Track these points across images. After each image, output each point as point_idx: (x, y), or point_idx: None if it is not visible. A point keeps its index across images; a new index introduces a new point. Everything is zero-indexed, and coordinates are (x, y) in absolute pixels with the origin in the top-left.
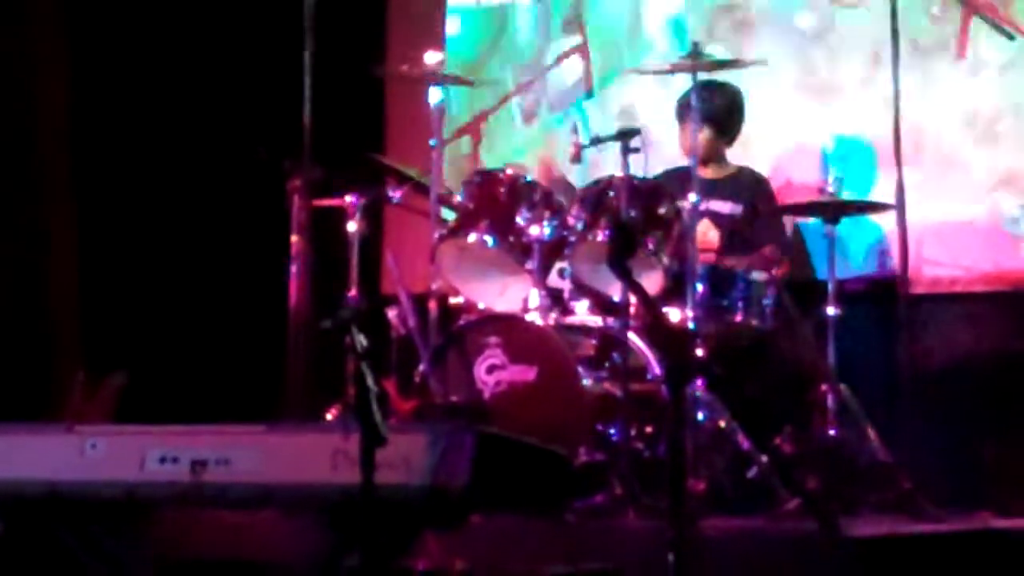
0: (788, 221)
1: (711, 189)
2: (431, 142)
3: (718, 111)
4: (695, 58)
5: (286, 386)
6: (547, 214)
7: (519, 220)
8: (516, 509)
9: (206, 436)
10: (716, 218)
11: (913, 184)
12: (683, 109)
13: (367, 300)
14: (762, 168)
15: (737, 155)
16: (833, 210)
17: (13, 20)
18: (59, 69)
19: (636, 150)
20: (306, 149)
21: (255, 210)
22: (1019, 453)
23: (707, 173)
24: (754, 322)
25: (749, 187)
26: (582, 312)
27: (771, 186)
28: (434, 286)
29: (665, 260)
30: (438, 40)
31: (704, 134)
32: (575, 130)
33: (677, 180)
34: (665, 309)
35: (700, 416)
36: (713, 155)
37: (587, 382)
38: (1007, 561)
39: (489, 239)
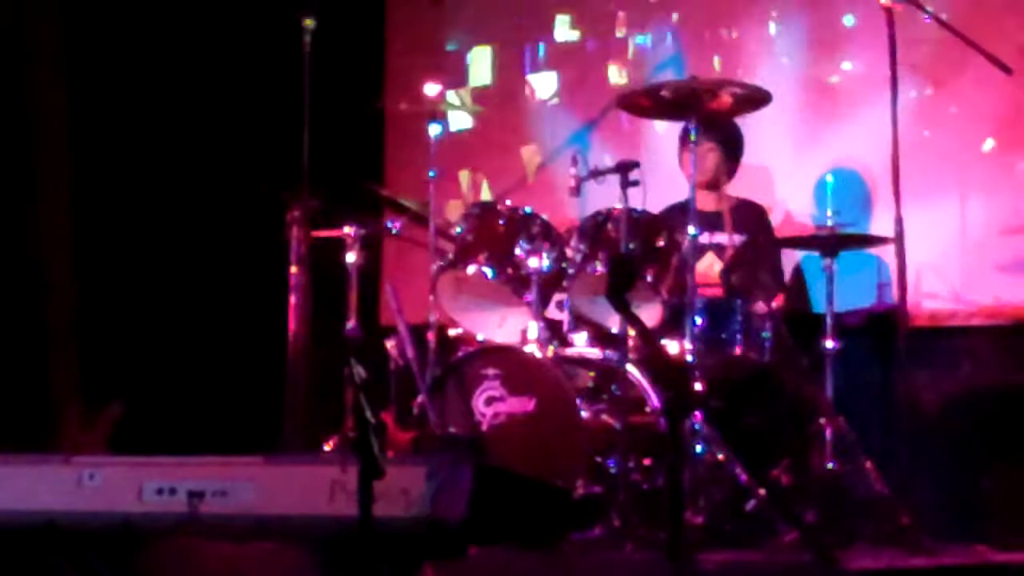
0: (791, 255)
1: (714, 222)
2: (430, 173)
3: (726, 134)
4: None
5: (284, 417)
6: (546, 246)
7: (518, 252)
8: (514, 542)
9: (203, 467)
10: (719, 251)
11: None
12: (687, 133)
13: (365, 331)
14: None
15: (736, 189)
16: (832, 243)
17: (11, 52)
18: (58, 100)
19: (635, 183)
20: (305, 180)
21: (254, 241)
22: (1017, 487)
23: (709, 206)
24: (752, 355)
25: (751, 219)
26: (581, 344)
27: (770, 219)
28: (433, 317)
29: (664, 293)
30: (439, 69)
31: (712, 158)
32: (574, 162)
33: (681, 214)
34: (664, 342)
35: (698, 448)
36: (718, 181)
37: (585, 414)
38: None
39: (488, 271)
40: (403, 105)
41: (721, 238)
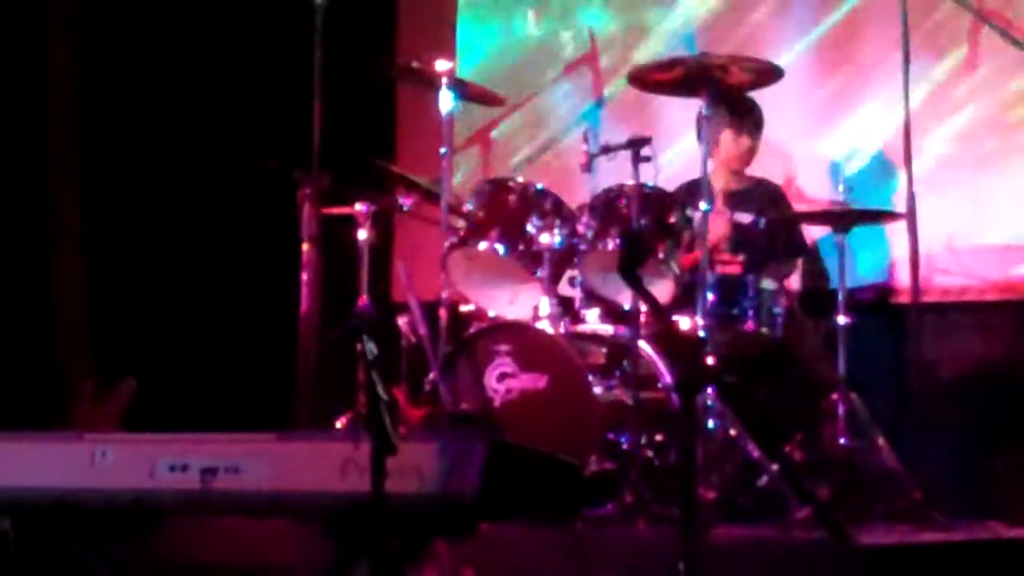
0: (810, 233)
1: (733, 200)
2: (441, 150)
3: (746, 114)
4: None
5: (296, 394)
6: (557, 222)
7: (529, 228)
8: (526, 518)
9: (216, 444)
10: (738, 229)
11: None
12: (739, 114)
13: (377, 308)
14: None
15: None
16: (844, 219)
17: (23, 33)
18: (69, 78)
19: (647, 159)
20: (316, 157)
21: (265, 218)
22: None
23: (730, 184)
24: (764, 330)
25: (769, 198)
26: (592, 320)
27: (787, 197)
28: (444, 294)
29: (675, 268)
30: (449, 48)
31: (746, 142)
32: (586, 139)
33: (693, 191)
34: (676, 317)
35: (710, 424)
36: (749, 162)
37: (597, 390)
38: (1017, 571)
39: (499, 247)
40: (415, 64)
41: (742, 216)
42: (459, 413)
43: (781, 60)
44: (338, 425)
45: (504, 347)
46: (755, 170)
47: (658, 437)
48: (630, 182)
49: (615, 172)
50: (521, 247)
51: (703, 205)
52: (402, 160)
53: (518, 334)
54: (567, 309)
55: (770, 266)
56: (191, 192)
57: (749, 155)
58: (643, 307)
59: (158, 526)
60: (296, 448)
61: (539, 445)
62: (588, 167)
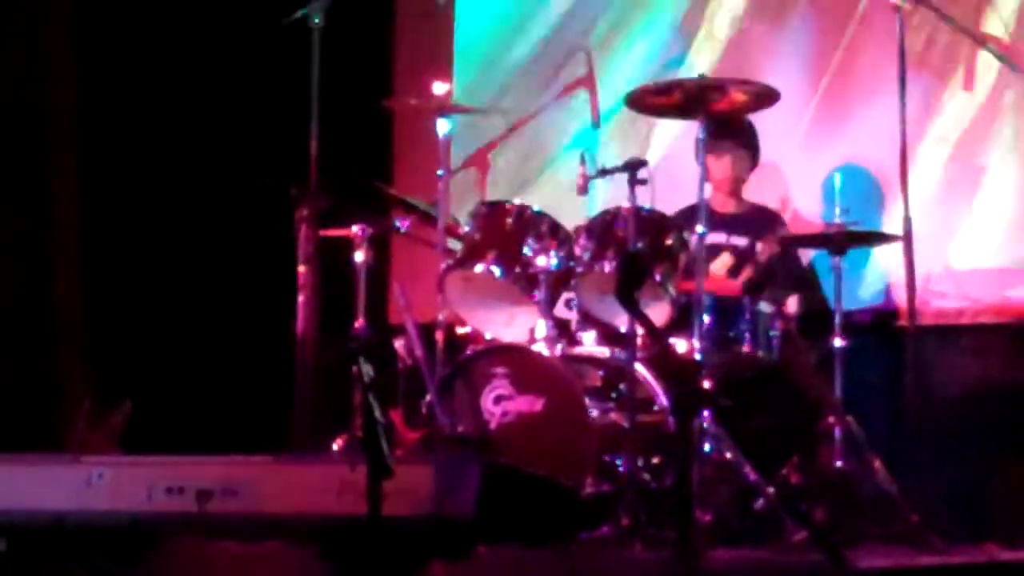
0: (805, 254)
1: (731, 224)
2: (438, 172)
3: (743, 136)
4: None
5: (293, 416)
6: (554, 245)
7: (526, 251)
8: (522, 541)
9: (212, 467)
10: (736, 252)
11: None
12: (718, 136)
13: (374, 330)
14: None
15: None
16: (840, 241)
17: (24, 32)
18: (69, 88)
19: (643, 181)
20: (313, 178)
21: (262, 239)
22: None
23: (727, 208)
24: (761, 353)
25: (766, 222)
26: (589, 343)
27: (785, 221)
28: (441, 316)
29: (672, 291)
30: (446, 69)
31: (730, 159)
32: (583, 161)
33: (694, 215)
34: (672, 340)
35: (707, 447)
36: (741, 183)
37: (594, 413)
38: None
39: (496, 269)
40: (412, 100)
41: (738, 240)
42: (455, 436)
43: (777, 81)
44: (334, 448)
45: (501, 369)
46: (751, 194)
47: (654, 460)
48: (627, 204)
49: (612, 194)
50: (518, 269)
51: (699, 228)
52: (399, 182)
53: (515, 357)
54: (563, 331)
55: (767, 290)
56: (188, 214)
57: (735, 175)
58: (639, 330)
59: (154, 549)
60: (292, 471)
61: (535, 468)
62: (585, 189)
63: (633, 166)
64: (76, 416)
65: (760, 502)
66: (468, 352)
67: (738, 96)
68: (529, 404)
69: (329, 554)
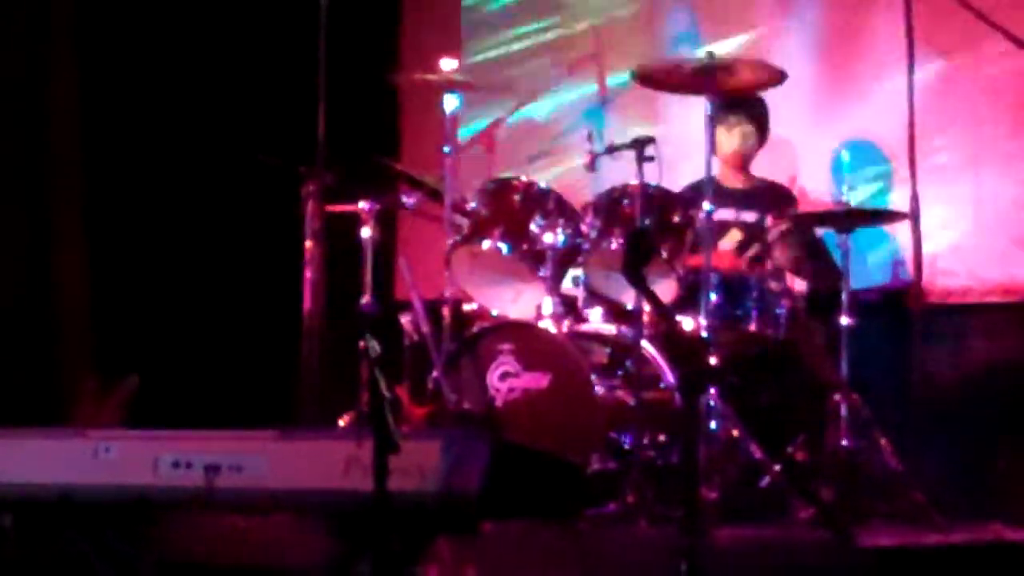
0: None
1: (740, 200)
2: (445, 149)
3: (754, 111)
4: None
5: (299, 392)
6: (561, 222)
7: (533, 227)
8: (528, 517)
9: (219, 441)
10: (745, 228)
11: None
12: (729, 108)
13: (380, 306)
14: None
15: (755, 164)
16: (847, 220)
17: (24, 32)
18: (70, 77)
19: (651, 158)
20: (320, 155)
21: (269, 215)
22: None
23: (736, 183)
24: (768, 331)
25: (776, 198)
26: (596, 320)
27: (795, 197)
28: (447, 293)
29: (679, 268)
30: (454, 45)
31: (740, 134)
32: (590, 138)
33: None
34: (679, 317)
35: (713, 425)
36: (750, 158)
37: (600, 390)
38: (1019, 573)
39: (503, 246)
40: (419, 76)
41: (747, 216)
42: (462, 412)
43: (785, 60)
44: (341, 423)
45: (507, 346)
46: (759, 172)
47: (660, 437)
48: (634, 181)
49: (620, 171)
50: (525, 246)
51: (707, 205)
52: (406, 158)
53: (521, 333)
54: (570, 308)
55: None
56: (194, 189)
57: (744, 151)
58: (646, 307)
59: (161, 523)
60: (299, 446)
61: (541, 444)
62: (592, 166)
63: (640, 143)
64: (82, 391)
65: (766, 480)
66: (474, 329)
67: (746, 75)
68: (535, 381)
69: (335, 529)
